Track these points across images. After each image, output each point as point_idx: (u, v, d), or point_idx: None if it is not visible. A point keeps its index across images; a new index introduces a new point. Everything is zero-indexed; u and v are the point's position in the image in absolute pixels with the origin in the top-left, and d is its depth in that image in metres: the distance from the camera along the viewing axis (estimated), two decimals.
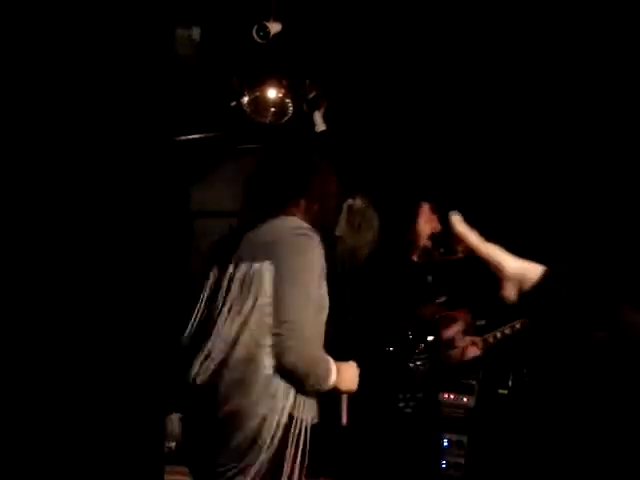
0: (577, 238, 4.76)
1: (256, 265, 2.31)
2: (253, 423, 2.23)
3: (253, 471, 2.24)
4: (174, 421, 5.61)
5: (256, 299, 2.28)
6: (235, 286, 2.36)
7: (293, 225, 2.35)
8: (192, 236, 5.86)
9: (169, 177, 5.97)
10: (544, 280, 1.00)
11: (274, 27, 3.52)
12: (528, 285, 1.00)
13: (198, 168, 5.82)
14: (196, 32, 3.64)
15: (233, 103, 4.25)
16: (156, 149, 5.80)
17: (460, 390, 4.58)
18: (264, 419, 2.24)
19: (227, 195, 5.81)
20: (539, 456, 4.35)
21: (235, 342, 2.29)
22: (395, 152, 4.98)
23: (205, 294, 2.50)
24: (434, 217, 3.62)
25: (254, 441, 2.23)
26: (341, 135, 5.08)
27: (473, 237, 1.04)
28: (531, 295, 1.00)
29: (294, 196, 2.49)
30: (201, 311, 2.49)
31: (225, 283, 2.40)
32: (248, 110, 4.21)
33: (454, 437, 4.55)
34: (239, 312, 2.31)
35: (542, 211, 4.67)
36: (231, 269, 2.40)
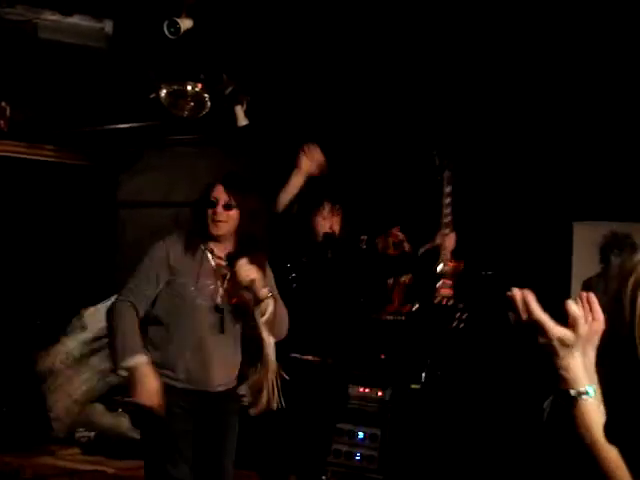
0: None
1: None
2: None
3: None
4: (98, 411, 5.59)
5: None
6: None
7: None
8: (116, 226, 5.86)
9: (97, 167, 5.97)
10: None
11: (185, 23, 3.53)
12: None
13: (126, 158, 5.82)
14: (108, 25, 3.64)
15: (152, 95, 4.25)
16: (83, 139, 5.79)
17: (373, 384, 4.65)
18: None
19: (153, 186, 5.82)
20: (451, 448, 4.44)
21: None
22: None
23: None
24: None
25: None
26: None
27: None
28: None
29: None
30: None
31: None
32: (166, 103, 4.21)
33: (368, 430, 4.62)
34: None
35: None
36: None
